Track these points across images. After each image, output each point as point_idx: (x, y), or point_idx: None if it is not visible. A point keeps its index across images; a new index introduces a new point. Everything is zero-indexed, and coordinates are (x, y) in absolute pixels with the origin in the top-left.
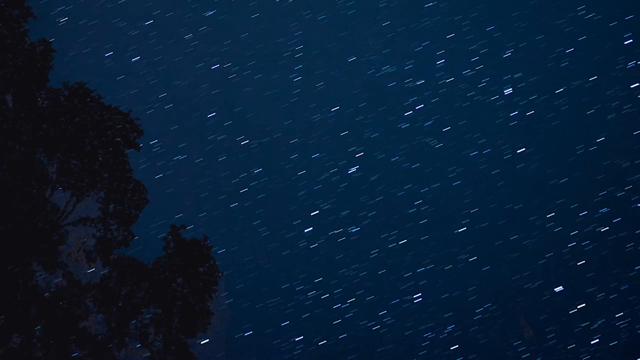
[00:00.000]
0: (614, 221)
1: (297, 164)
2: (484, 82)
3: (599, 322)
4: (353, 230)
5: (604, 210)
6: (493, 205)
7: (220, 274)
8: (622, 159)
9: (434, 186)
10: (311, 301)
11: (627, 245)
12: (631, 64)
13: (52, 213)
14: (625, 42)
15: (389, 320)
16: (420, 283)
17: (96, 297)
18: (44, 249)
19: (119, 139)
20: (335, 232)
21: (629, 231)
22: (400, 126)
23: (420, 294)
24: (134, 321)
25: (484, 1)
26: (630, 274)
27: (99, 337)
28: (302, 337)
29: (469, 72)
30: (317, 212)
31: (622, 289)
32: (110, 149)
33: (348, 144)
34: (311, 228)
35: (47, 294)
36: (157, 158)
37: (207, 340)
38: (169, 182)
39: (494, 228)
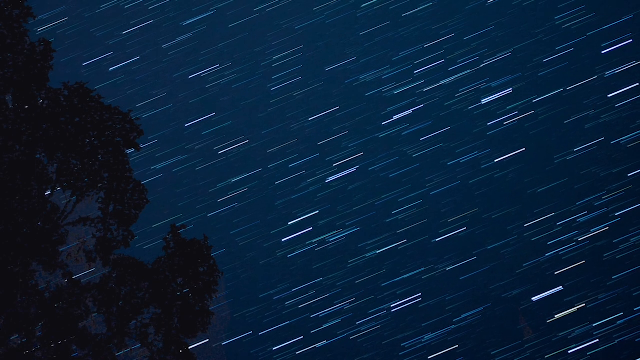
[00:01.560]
0: (592, 230)
1: (275, 173)
2: (462, 91)
3: (578, 331)
4: (331, 239)
5: (583, 219)
6: (471, 214)
7: (220, 273)
8: (601, 168)
9: (412, 195)
10: (289, 310)
11: (605, 255)
12: (609, 73)
13: (52, 213)
14: (604, 52)
15: (368, 329)
16: (398, 292)
17: (96, 297)
18: (44, 249)
19: (119, 139)
20: (314, 241)
21: (607, 240)
22: (379, 135)
23: (398, 303)
24: (134, 321)
25: (462, 11)
26: (609, 283)
27: (99, 337)
28: (280, 346)
29: (447, 81)
30: (296, 221)
31: (600, 297)
32: (110, 149)
33: (326, 153)
34: (289, 237)
35: (47, 294)
36: (134, 167)
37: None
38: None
39: (472, 237)
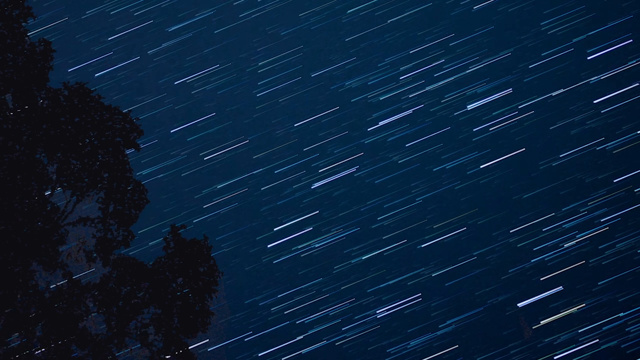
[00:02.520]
0: (577, 236)
1: (260, 179)
2: (447, 97)
3: (563, 337)
4: (317, 246)
5: (568, 225)
6: (456, 221)
7: (220, 273)
8: (586, 174)
9: (398, 201)
10: (275, 316)
11: (591, 261)
12: (595, 79)
13: (52, 213)
14: (589, 58)
15: (353, 335)
16: (383, 298)
17: (96, 297)
18: (44, 249)
19: (119, 139)
20: (299, 247)
21: (593, 246)
22: (364, 141)
23: (383, 309)
24: (134, 321)
25: (447, 17)
26: (594, 289)
27: (99, 337)
28: (266, 352)
29: (433, 87)
30: (281, 227)
31: (585, 303)
32: (110, 149)
33: (312, 160)
34: (275, 243)
35: (47, 294)
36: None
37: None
38: None
39: (457, 243)
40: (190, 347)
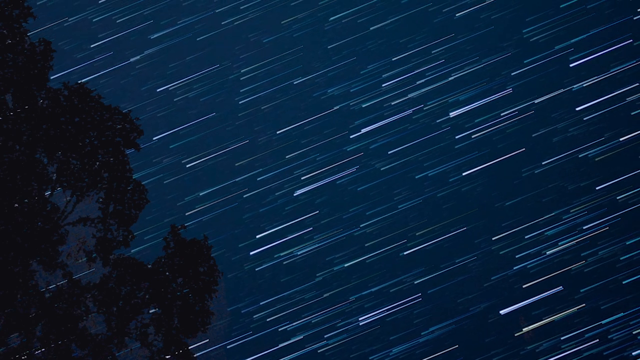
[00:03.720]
0: (560, 243)
1: (243, 186)
2: (430, 105)
3: (545, 345)
4: (299, 253)
5: (550, 232)
6: (439, 228)
7: (220, 274)
8: (569, 181)
9: (380, 208)
10: (257, 323)
11: (574, 268)
12: (577, 86)
13: (52, 213)
14: (572, 65)
15: (336, 342)
16: (366, 305)
17: (96, 297)
18: (44, 249)
19: (119, 139)
20: (282, 254)
21: (575, 254)
22: (347, 148)
23: (366, 316)
24: (134, 321)
25: (430, 24)
26: (576, 297)
27: (99, 337)
28: (248, 359)
29: (415, 94)
30: (264, 234)
31: (568, 311)
32: (110, 149)
33: (294, 167)
34: (257, 250)
35: (47, 294)
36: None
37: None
38: None
39: (439, 250)
40: (190, 347)
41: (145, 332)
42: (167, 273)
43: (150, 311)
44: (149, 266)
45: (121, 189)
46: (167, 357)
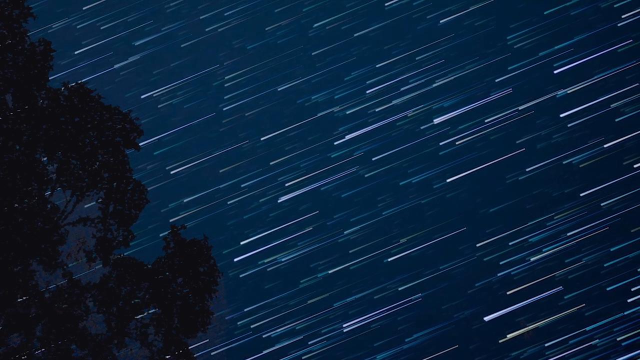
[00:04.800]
0: (544, 250)
1: (226, 193)
2: (414, 111)
3: (530, 351)
4: (283, 259)
5: (534, 239)
6: (423, 235)
7: (220, 274)
8: (553, 188)
9: (364, 215)
10: (241, 330)
11: (557, 275)
12: (561, 93)
13: (52, 213)
14: (556, 72)
15: (320, 349)
16: (350, 312)
17: (96, 297)
18: (44, 249)
19: (119, 139)
20: (266, 260)
21: (559, 260)
22: (331, 155)
23: (350, 323)
24: (134, 321)
25: (414, 30)
26: (560, 303)
27: (99, 337)
28: None
29: (399, 100)
30: (247, 241)
31: (551, 318)
32: (110, 149)
33: (278, 173)
34: (241, 257)
35: (47, 294)
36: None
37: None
38: None
39: (423, 257)
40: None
41: (145, 332)
42: (167, 273)
43: (150, 311)
44: (149, 266)
45: (121, 189)
46: (167, 357)
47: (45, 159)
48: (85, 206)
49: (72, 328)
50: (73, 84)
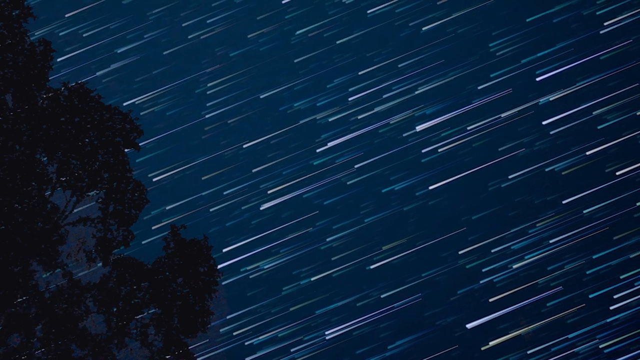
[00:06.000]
0: (526, 257)
1: (209, 200)
2: (396, 118)
3: (512, 359)
4: (266, 267)
5: (517, 246)
6: (405, 242)
7: (220, 274)
8: (535, 195)
9: (346, 222)
10: (223, 337)
11: (540, 282)
12: (543, 100)
13: (52, 213)
14: (538, 79)
15: (302, 356)
16: (332, 319)
17: (96, 297)
18: (44, 249)
19: (119, 139)
20: (248, 268)
21: (541, 268)
22: (313, 162)
23: (332, 330)
24: (134, 321)
25: (396, 38)
26: (543, 310)
27: (99, 337)
28: None
29: (381, 108)
30: (230, 248)
31: (534, 325)
32: (110, 149)
33: (260, 181)
34: (223, 264)
35: (47, 294)
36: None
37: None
38: None
39: (406, 264)
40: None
41: (145, 332)
42: (167, 273)
43: (150, 311)
44: (149, 266)
45: (121, 189)
46: (167, 357)
47: (45, 159)
48: (85, 206)
49: (72, 328)
50: (73, 84)
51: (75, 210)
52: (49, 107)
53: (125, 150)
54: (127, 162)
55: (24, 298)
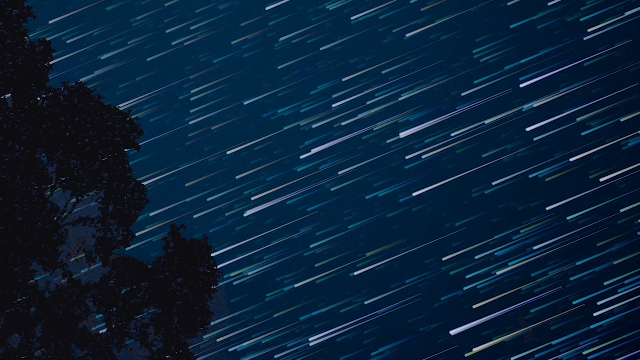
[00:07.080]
0: (510, 264)
1: (193, 207)
2: (380, 125)
3: None
4: (249, 273)
5: (500, 253)
6: (389, 249)
7: (221, 274)
8: (518, 202)
9: (330, 229)
10: (207, 344)
11: (524, 289)
12: (527, 107)
13: (52, 213)
14: (522, 85)
15: None
16: (316, 326)
17: (96, 297)
18: (44, 249)
19: (119, 139)
20: (232, 275)
21: (525, 274)
22: (297, 169)
23: (316, 337)
24: (134, 321)
25: (380, 45)
26: (526, 317)
27: (99, 337)
28: None
29: (365, 115)
30: (213, 255)
31: (517, 332)
32: (110, 149)
33: (244, 187)
34: None
35: (47, 294)
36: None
37: None
38: None
39: (390, 271)
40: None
41: (145, 332)
42: (167, 273)
43: (150, 311)
44: (149, 266)
45: (121, 189)
46: (167, 357)
47: (45, 159)
48: (85, 206)
49: (72, 328)
50: (73, 84)
51: (75, 210)
52: (49, 107)
53: (126, 150)
54: (127, 162)
55: (24, 298)
